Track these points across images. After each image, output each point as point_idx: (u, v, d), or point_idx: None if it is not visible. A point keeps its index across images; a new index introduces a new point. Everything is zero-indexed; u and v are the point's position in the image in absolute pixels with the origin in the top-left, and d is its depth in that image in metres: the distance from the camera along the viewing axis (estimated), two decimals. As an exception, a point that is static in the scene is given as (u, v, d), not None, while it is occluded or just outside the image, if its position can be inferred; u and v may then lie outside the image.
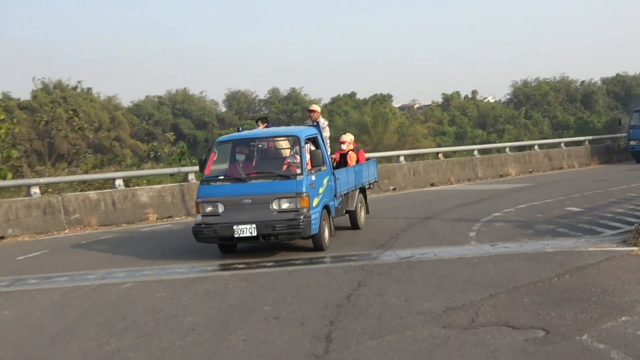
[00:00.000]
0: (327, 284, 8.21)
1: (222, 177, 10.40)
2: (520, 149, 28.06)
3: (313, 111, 12.63)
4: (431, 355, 5.56)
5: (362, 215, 12.48)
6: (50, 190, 16.96)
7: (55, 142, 41.30)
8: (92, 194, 15.99)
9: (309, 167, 10.11)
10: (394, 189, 19.90)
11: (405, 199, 17.94)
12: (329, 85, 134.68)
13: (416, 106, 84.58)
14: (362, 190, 12.69)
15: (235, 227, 9.68)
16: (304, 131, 10.77)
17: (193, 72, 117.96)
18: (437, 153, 23.64)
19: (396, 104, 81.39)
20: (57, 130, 32.41)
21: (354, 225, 12.21)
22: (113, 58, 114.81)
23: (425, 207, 15.30)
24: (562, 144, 27.67)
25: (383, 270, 8.78)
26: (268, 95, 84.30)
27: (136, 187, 17.14)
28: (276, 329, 6.46)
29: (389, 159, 23.01)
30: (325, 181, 10.66)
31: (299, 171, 9.96)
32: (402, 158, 21.30)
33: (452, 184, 21.22)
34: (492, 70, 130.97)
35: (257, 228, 9.62)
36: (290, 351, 5.83)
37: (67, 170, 23.10)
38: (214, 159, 10.59)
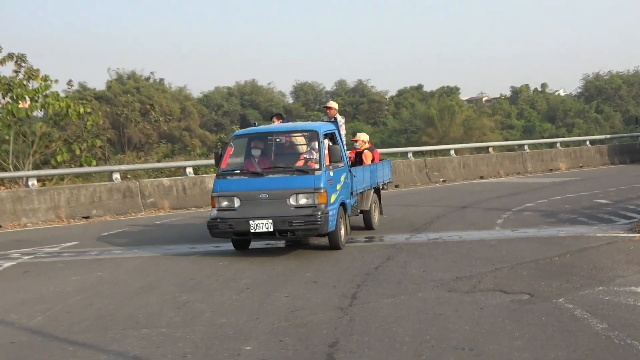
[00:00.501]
0: (360, 257, 9.81)
1: (238, 171, 10.36)
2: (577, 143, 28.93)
3: (330, 108, 12.59)
4: (432, 310, 7.07)
5: (376, 216, 12.42)
6: (128, 176, 19.07)
7: (128, 131, 44.07)
8: (165, 181, 18.05)
9: (327, 162, 10.07)
10: (443, 181, 21.32)
11: (451, 190, 19.34)
12: (396, 77, 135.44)
13: (484, 99, 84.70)
14: (377, 191, 12.69)
15: (251, 222, 9.68)
16: (322, 126, 10.71)
17: (261, 64, 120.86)
18: (487, 147, 24.83)
19: (464, 96, 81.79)
20: (136, 123, 35.01)
21: (368, 225, 12.11)
22: (185, 49, 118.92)
23: (466, 197, 16.69)
24: (615, 140, 28.44)
25: (411, 248, 10.33)
26: (335, 87, 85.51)
27: (204, 175, 19.11)
28: (313, 290, 8.09)
29: (444, 152, 24.33)
30: (342, 178, 10.63)
31: (317, 166, 9.92)
32: (452, 151, 22.64)
33: (501, 177, 22.45)
34: (563, 63, 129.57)
35: (274, 223, 9.60)
36: (322, 305, 7.44)
37: (142, 158, 25.40)
38: (231, 153, 10.61)
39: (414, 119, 69.27)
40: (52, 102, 19.05)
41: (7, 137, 19.32)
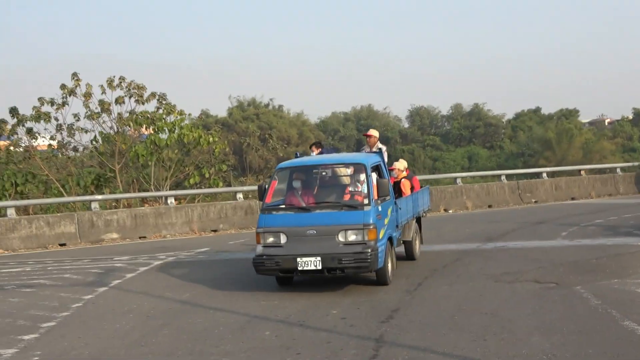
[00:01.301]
0: (434, 259, 12.29)
1: (283, 206, 10.27)
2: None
3: (370, 136, 12.49)
4: (476, 292, 9.46)
5: (417, 245, 12.40)
6: (249, 196, 22.27)
7: (249, 157, 48.10)
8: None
9: (376, 197, 9.91)
10: (535, 202, 23.25)
11: (537, 209, 21.39)
12: (513, 100, 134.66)
13: (607, 121, 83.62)
14: (418, 220, 12.70)
15: (298, 259, 9.55)
16: (368, 159, 10.56)
17: (378, 89, 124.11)
18: (580, 170, 26.36)
19: (584, 119, 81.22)
20: (256, 150, 38.90)
21: (409, 256, 12.11)
22: (303, 76, 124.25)
23: (546, 215, 18.72)
24: None
25: (479, 253, 12.72)
26: (450, 111, 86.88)
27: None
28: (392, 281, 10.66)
29: (533, 175, 26.19)
30: (389, 211, 10.55)
31: (366, 201, 9.78)
32: (544, 174, 24.52)
33: (592, 198, 24.08)
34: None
35: (322, 261, 9.46)
36: (393, 289, 9.96)
37: (261, 180, 28.82)
38: (275, 186, 10.49)
39: (532, 142, 69.76)
40: (186, 133, 22.78)
41: (149, 163, 23.15)
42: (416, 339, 7.19)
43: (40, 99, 22.90)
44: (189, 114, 23.45)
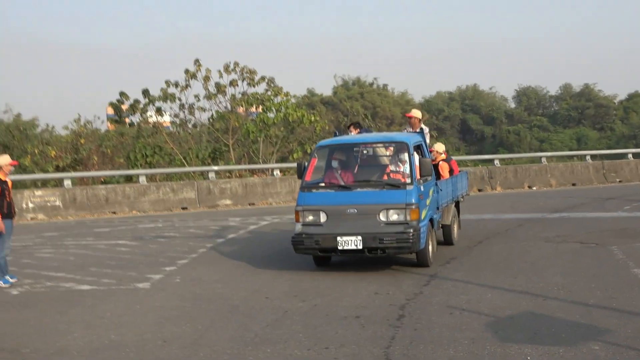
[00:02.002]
0: (498, 225, 14.33)
1: (323, 184, 10.18)
2: None
3: (412, 117, 12.44)
4: (524, 249, 11.49)
5: (455, 230, 12.33)
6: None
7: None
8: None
9: (418, 176, 9.85)
10: (619, 181, 24.66)
11: (619, 188, 22.80)
12: (626, 80, 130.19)
13: None
14: (456, 204, 12.66)
15: (339, 238, 9.49)
16: (411, 138, 10.57)
17: (484, 68, 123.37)
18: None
19: (703, 99, 78.53)
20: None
21: (447, 240, 11.98)
22: (408, 55, 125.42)
23: (622, 192, 20.33)
24: None
25: (541, 221, 14.75)
26: (559, 91, 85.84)
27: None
28: (460, 238, 12.80)
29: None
30: (431, 192, 10.47)
31: (408, 180, 9.74)
32: (630, 155, 25.76)
33: (678, 177, 25.21)
34: None
35: (363, 240, 9.42)
36: (458, 247, 12.13)
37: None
38: (315, 164, 10.45)
39: (646, 124, 68.61)
40: (291, 113, 25.63)
41: (258, 139, 26.28)
42: (462, 276, 9.45)
43: (166, 82, 26.62)
44: (294, 95, 26.46)
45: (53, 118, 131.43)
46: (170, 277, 10.17)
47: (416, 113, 12.40)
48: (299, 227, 9.90)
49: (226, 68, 26.93)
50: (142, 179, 21.21)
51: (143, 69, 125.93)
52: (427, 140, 11.57)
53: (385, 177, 10.15)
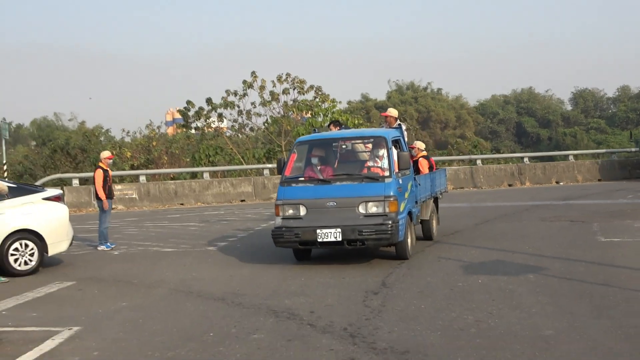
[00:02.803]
0: (507, 210, 17.02)
1: (302, 178, 10.42)
2: None
3: (387, 116, 12.73)
4: (521, 225, 14.14)
5: (434, 225, 12.69)
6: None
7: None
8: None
9: (396, 169, 10.20)
10: (645, 177, 27.07)
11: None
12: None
13: None
14: (435, 200, 13.12)
15: (318, 231, 9.73)
16: (389, 133, 10.88)
17: (540, 70, 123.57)
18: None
19: None
20: (413, 130, 44.63)
21: (427, 235, 12.34)
22: (463, 59, 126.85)
23: (636, 186, 22.52)
24: None
25: (547, 206, 17.45)
26: (617, 93, 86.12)
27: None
28: (461, 219, 15.51)
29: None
30: (409, 186, 10.77)
31: (386, 173, 10.04)
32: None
33: None
34: None
35: (343, 233, 9.66)
36: (466, 224, 14.86)
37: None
38: (295, 159, 10.73)
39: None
40: (337, 117, 28.69)
41: (309, 141, 29.54)
42: (460, 242, 12.23)
43: (227, 91, 30.60)
44: (340, 102, 30.18)
45: (114, 124, 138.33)
46: (232, 244, 13.25)
47: (391, 112, 12.90)
48: (279, 221, 10.23)
49: (279, 78, 30.47)
50: (206, 175, 24.63)
51: (191, 80, 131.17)
52: (406, 137, 11.96)
53: (365, 171, 10.50)
